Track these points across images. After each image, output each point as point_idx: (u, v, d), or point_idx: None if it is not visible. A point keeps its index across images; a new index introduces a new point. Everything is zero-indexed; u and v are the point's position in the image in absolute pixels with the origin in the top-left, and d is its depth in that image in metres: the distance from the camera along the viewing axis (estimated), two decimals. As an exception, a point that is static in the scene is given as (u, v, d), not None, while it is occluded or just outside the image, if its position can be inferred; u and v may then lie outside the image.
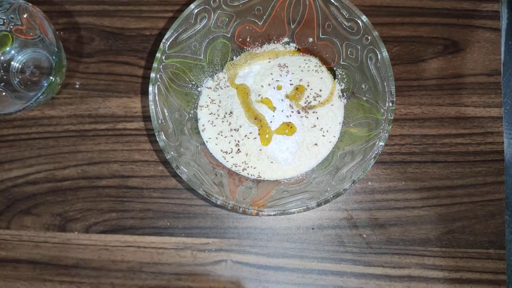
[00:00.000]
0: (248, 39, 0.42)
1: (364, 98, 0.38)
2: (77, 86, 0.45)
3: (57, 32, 0.43)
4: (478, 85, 0.44)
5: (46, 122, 0.45)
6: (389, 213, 0.43)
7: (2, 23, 0.43)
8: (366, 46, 0.36)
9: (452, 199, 0.43)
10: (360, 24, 0.36)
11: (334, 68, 0.42)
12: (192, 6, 0.35)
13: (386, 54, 0.35)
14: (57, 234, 0.43)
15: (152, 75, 0.35)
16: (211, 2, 0.36)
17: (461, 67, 0.44)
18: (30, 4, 0.41)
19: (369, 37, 0.36)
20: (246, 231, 0.43)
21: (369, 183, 0.43)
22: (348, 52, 0.39)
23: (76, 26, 0.46)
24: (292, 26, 0.40)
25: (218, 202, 0.34)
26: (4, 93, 0.43)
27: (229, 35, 0.40)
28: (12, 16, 0.42)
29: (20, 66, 0.45)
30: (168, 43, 0.35)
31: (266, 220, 0.43)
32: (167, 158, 0.34)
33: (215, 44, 0.40)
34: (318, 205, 0.34)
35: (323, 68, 0.42)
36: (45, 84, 0.41)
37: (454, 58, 0.45)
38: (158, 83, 0.35)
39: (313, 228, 0.43)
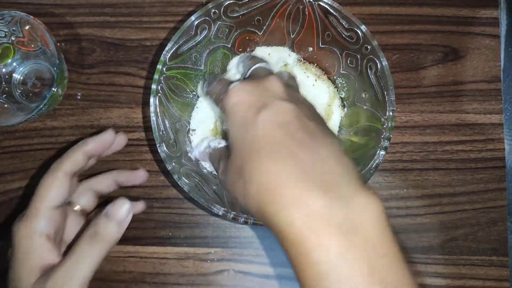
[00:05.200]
0: (248, 49, 0.42)
1: (365, 107, 0.38)
2: (79, 97, 0.45)
3: (58, 44, 0.43)
4: (479, 91, 0.44)
5: (48, 133, 0.45)
6: (391, 221, 0.42)
7: (4, 35, 0.43)
8: (366, 55, 0.36)
9: (454, 206, 0.43)
10: (360, 34, 0.36)
11: (334, 77, 0.42)
12: (192, 17, 0.35)
13: (386, 63, 0.35)
14: (59, 246, 0.43)
15: (153, 86, 0.35)
16: (211, 14, 0.36)
17: (461, 74, 0.45)
18: (32, 17, 0.41)
19: (368, 47, 0.36)
20: (248, 241, 0.43)
21: (371, 191, 0.43)
22: (348, 61, 0.39)
23: (77, 38, 0.46)
24: (292, 36, 0.41)
25: (220, 213, 0.34)
26: (6, 105, 0.44)
27: (229, 46, 0.41)
28: (14, 28, 0.43)
29: (21, 78, 0.45)
30: (169, 55, 0.35)
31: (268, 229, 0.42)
32: (168, 169, 0.34)
33: (215, 54, 0.40)
34: None
35: (320, 82, 0.42)
36: (47, 96, 0.41)
37: (454, 65, 0.45)
38: (159, 94, 0.35)
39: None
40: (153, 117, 0.35)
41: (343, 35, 0.37)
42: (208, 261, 0.43)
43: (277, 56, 0.42)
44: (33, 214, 0.31)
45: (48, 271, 0.30)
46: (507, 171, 0.43)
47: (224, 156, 0.32)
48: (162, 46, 0.45)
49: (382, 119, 0.36)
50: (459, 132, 0.44)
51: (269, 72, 0.33)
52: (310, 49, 0.41)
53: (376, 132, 0.36)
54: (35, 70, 0.45)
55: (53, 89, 0.42)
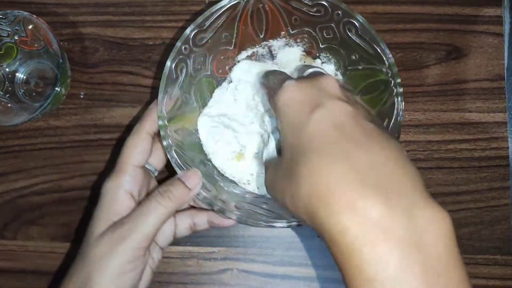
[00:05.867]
0: (226, 68, 0.42)
1: (360, 67, 0.38)
2: (82, 96, 0.45)
3: (61, 43, 0.43)
4: (482, 90, 0.44)
5: (51, 133, 0.45)
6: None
7: (7, 35, 0.43)
8: (340, 21, 0.36)
9: (458, 205, 0.43)
10: (326, 4, 0.36)
11: (318, 54, 0.41)
12: (168, 63, 0.34)
13: (363, 19, 0.35)
14: (63, 245, 0.43)
15: (165, 143, 0.34)
16: (183, 50, 0.35)
17: (464, 73, 0.45)
18: (35, 16, 0.41)
19: (339, 12, 0.36)
20: (252, 240, 0.43)
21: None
22: (325, 34, 0.39)
23: (80, 37, 0.46)
24: (262, 36, 0.40)
25: (284, 226, 0.33)
26: (9, 105, 0.44)
27: (209, 72, 0.40)
28: (17, 28, 0.43)
29: (25, 77, 0.45)
30: (164, 106, 0.34)
31: (272, 228, 0.42)
32: (215, 209, 0.34)
33: (201, 86, 0.40)
34: None
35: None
36: (50, 95, 0.41)
37: (457, 64, 0.45)
38: (172, 147, 0.35)
39: (318, 236, 0.42)
40: (180, 172, 0.34)
41: (310, 13, 0.37)
42: (212, 260, 0.43)
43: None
44: (120, 171, 0.34)
45: (118, 221, 0.32)
46: (511, 170, 0.43)
47: (274, 159, 0.31)
48: (164, 45, 0.45)
49: (384, 70, 0.35)
50: (462, 131, 0.44)
51: (324, 73, 0.32)
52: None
53: (384, 83, 0.36)
54: (38, 69, 0.45)
55: (56, 88, 0.42)
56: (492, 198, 0.43)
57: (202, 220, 0.38)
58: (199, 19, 0.35)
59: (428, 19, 0.45)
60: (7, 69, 0.44)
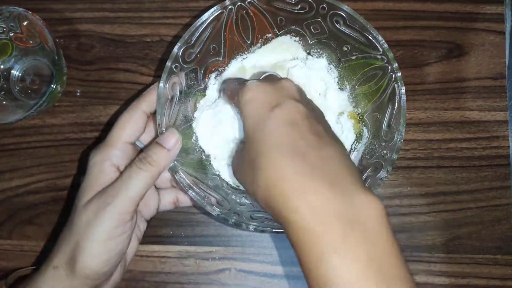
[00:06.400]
0: (215, 74, 0.41)
1: (354, 58, 0.38)
2: (78, 94, 0.45)
3: (57, 40, 0.43)
4: (483, 88, 0.44)
5: (47, 131, 0.44)
6: (395, 219, 0.42)
7: (2, 31, 0.42)
8: (327, 14, 0.36)
9: (458, 204, 0.42)
10: (309, 0, 0.35)
11: (307, 51, 0.41)
12: (161, 84, 0.34)
13: (349, 8, 0.35)
14: (59, 244, 0.43)
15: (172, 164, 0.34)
16: (174, 69, 0.35)
17: (466, 71, 0.44)
18: (30, 12, 0.40)
19: (324, 5, 0.35)
20: (250, 239, 0.42)
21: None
22: (313, 30, 0.38)
23: (76, 34, 0.45)
24: (249, 41, 0.40)
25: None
26: (4, 102, 0.43)
27: (203, 86, 0.40)
28: (12, 24, 0.42)
29: (20, 75, 0.44)
30: (164, 127, 0.34)
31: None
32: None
33: (196, 101, 0.39)
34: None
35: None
36: (46, 92, 0.41)
37: (458, 62, 0.44)
38: (179, 167, 0.35)
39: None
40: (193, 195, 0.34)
41: (295, 11, 0.36)
42: (210, 259, 0.42)
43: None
44: (109, 145, 0.34)
45: (102, 190, 0.33)
46: (511, 169, 0.43)
47: (239, 148, 0.34)
48: (162, 42, 0.45)
49: (379, 56, 0.35)
50: (463, 130, 0.43)
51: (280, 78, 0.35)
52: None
53: (381, 70, 0.36)
54: (34, 66, 0.44)
55: (52, 85, 0.41)
56: (492, 198, 0.42)
57: (185, 197, 0.39)
58: (186, 35, 0.34)
59: (429, 17, 0.45)
60: (2, 66, 0.44)
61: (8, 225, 0.43)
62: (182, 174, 0.34)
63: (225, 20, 0.36)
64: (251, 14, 0.37)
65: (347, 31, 0.36)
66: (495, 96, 0.44)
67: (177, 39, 0.44)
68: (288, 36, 0.40)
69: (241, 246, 0.42)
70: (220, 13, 0.35)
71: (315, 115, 0.30)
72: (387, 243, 0.25)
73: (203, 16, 0.35)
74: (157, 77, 0.44)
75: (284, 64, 0.41)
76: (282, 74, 0.41)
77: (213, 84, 0.41)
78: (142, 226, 0.38)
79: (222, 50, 0.38)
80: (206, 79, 0.40)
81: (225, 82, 0.39)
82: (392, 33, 0.45)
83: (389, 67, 0.35)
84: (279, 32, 0.39)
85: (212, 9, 0.35)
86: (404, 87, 0.35)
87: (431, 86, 0.44)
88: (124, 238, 0.33)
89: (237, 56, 0.40)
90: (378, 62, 0.36)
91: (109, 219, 0.31)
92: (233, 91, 0.34)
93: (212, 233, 0.42)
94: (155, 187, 0.38)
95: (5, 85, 0.44)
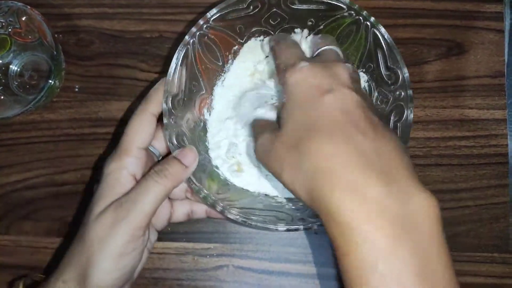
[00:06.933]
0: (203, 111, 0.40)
1: (322, 27, 0.38)
2: (77, 90, 0.44)
3: (56, 35, 0.42)
4: (482, 87, 0.44)
5: (45, 126, 0.44)
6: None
7: (0, 26, 0.42)
8: (279, 2, 0.36)
9: (457, 202, 0.42)
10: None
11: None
12: (167, 136, 0.34)
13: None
14: (56, 240, 0.43)
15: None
16: (172, 122, 0.34)
17: (465, 69, 0.44)
18: (29, 7, 0.40)
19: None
20: (248, 236, 0.42)
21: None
22: (272, 22, 0.38)
23: (76, 29, 0.45)
24: (220, 63, 0.40)
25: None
26: (2, 97, 0.43)
27: (201, 125, 0.39)
28: (10, 19, 0.42)
29: (18, 70, 0.44)
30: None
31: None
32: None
33: (200, 139, 0.39)
34: None
35: None
36: (44, 88, 0.40)
37: (458, 60, 0.44)
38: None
39: (316, 233, 0.42)
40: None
41: (250, 13, 0.37)
42: (208, 256, 0.42)
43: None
44: (124, 152, 0.33)
45: (115, 201, 0.32)
46: (510, 167, 0.43)
47: (269, 127, 0.31)
48: (161, 38, 0.45)
49: (346, 14, 0.35)
50: (462, 128, 0.43)
51: (337, 57, 0.33)
52: None
53: (354, 24, 0.36)
54: (32, 61, 0.44)
55: (50, 81, 0.41)
56: (491, 196, 0.42)
57: (200, 208, 0.38)
58: (167, 87, 0.34)
59: (429, 15, 0.45)
60: (0, 61, 0.44)
61: (6, 221, 0.43)
62: (233, 212, 0.33)
63: (192, 54, 0.36)
64: (212, 36, 0.37)
65: (304, 6, 0.36)
66: (494, 95, 0.44)
67: (176, 35, 0.44)
68: (253, 39, 0.39)
69: (239, 243, 0.42)
70: (186, 50, 0.35)
71: (369, 105, 0.28)
72: (440, 253, 0.24)
73: (172, 63, 0.34)
74: (156, 73, 0.44)
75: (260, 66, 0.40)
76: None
77: (209, 116, 0.40)
78: (153, 237, 0.37)
79: (202, 84, 0.38)
80: (202, 116, 0.39)
81: (278, 40, 0.35)
82: (391, 31, 0.44)
83: (361, 18, 0.35)
84: (243, 40, 0.39)
85: (177, 51, 0.34)
86: (383, 27, 0.35)
87: (430, 84, 0.44)
88: (136, 254, 0.32)
89: (216, 82, 0.40)
90: (347, 19, 0.35)
91: (123, 234, 0.31)
92: (284, 64, 0.32)
93: (210, 230, 0.42)
94: (169, 198, 0.37)
95: (3, 80, 0.43)
